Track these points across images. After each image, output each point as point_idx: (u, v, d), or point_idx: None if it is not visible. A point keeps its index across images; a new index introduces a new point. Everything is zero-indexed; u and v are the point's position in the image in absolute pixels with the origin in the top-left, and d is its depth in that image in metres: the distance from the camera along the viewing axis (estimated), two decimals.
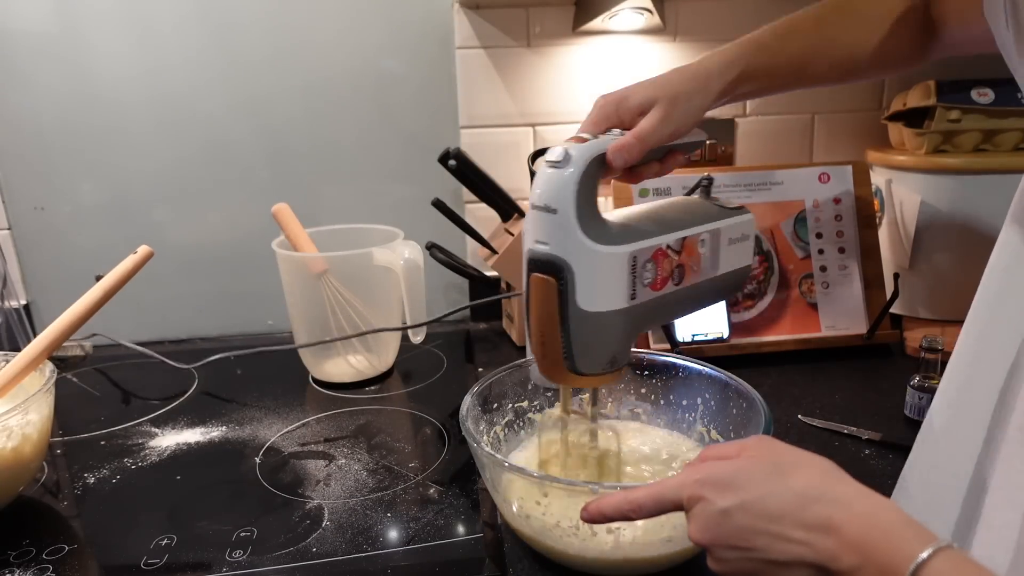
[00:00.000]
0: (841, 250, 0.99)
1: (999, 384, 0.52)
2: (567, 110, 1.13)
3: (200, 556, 0.63)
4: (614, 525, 0.54)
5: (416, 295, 0.91)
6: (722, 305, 0.96)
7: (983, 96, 0.95)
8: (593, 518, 0.48)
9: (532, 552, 0.62)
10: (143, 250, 0.79)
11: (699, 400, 0.72)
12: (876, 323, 0.97)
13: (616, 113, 0.58)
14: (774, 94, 0.66)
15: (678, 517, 0.47)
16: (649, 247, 0.55)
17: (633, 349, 0.65)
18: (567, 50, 1.10)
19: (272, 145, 1.11)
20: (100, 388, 1.01)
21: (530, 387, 0.75)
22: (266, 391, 0.96)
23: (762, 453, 0.44)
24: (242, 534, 0.66)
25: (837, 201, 1.00)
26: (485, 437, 0.69)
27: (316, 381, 0.99)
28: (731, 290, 0.66)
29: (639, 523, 0.51)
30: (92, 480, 0.76)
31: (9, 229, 1.10)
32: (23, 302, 1.11)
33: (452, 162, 0.98)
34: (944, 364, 0.77)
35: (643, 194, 0.99)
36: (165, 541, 0.65)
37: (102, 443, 0.84)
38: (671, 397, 0.74)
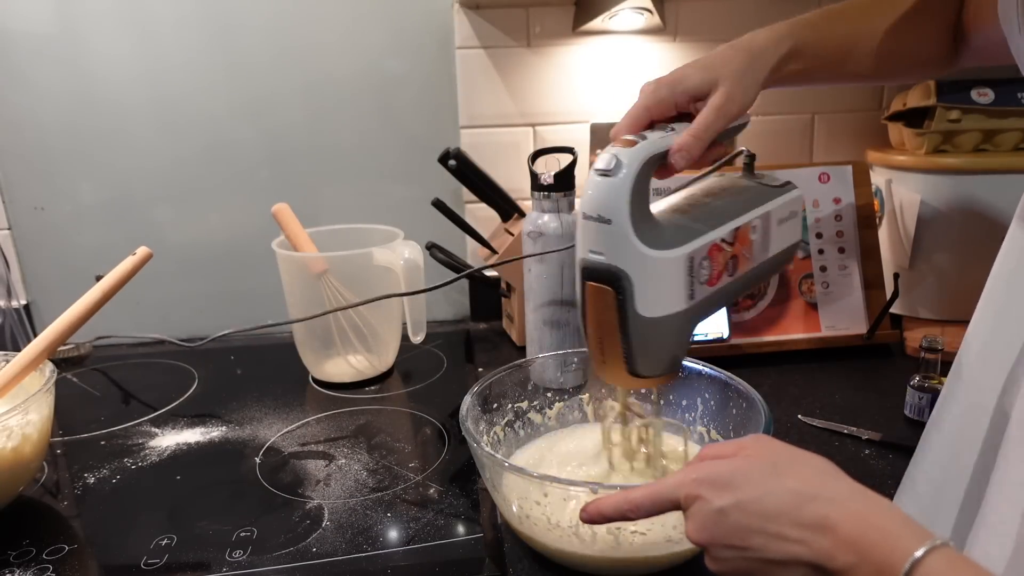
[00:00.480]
0: (841, 250, 0.99)
1: (1001, 384, 0.52)
2: (567, 110, 1.13)
3: (200, 556, 0.63)
4: (614, 525, 0.54)
5: (416, 295, 0.91)
6: None
7: (983, 96, 0.95)
8: (592, 518, 0.49)
9: (532, 552, 0.62)
10: (142, 251, 0.79)
11: (699, 400, 0.72)
12: (876, 323, 0.97)
13: (672, 96, 0.55)
14: (817, 84, 0.64)
15: (677, 517, 0.47)
16: (704, 245, 0.54)
17: None
18: (567, 50, 1.10)
19: (272, 145, 1.11)
20: (100, 388, 1.01)
21: (530, 387, 0.75)
22: (266, 391, 0.96)
23: (760, 452, 0.45)
24: (242, 534, 0.66)
25: (837, 201, 1.00)
26: (485, 437, 0.69)
27: (316, 381, 0.99)
28: (782, 265, 0.65)
29: (641, 523, 0.51)
30: (92, 480, 0.76)
31: (9, 229, 1.10)
32: (23, 302, 1.11)
33: (452, 162, 0.98)
34: (944, 364, 0.77)
35: None
36: (165, 541, 0.65)
37: (102, 443, 0.84)
38: (671, 397, 0.74)
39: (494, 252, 1.04)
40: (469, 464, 0.77)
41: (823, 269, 0.99)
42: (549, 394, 0.76)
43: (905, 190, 1.02)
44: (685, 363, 0.72)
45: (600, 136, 1.10)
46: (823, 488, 0.41)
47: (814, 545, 0.39)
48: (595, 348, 0.56)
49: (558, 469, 0.69)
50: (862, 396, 0.87)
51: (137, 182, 1.10)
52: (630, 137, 0.53)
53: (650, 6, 0.96)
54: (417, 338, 0.95)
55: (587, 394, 0.77)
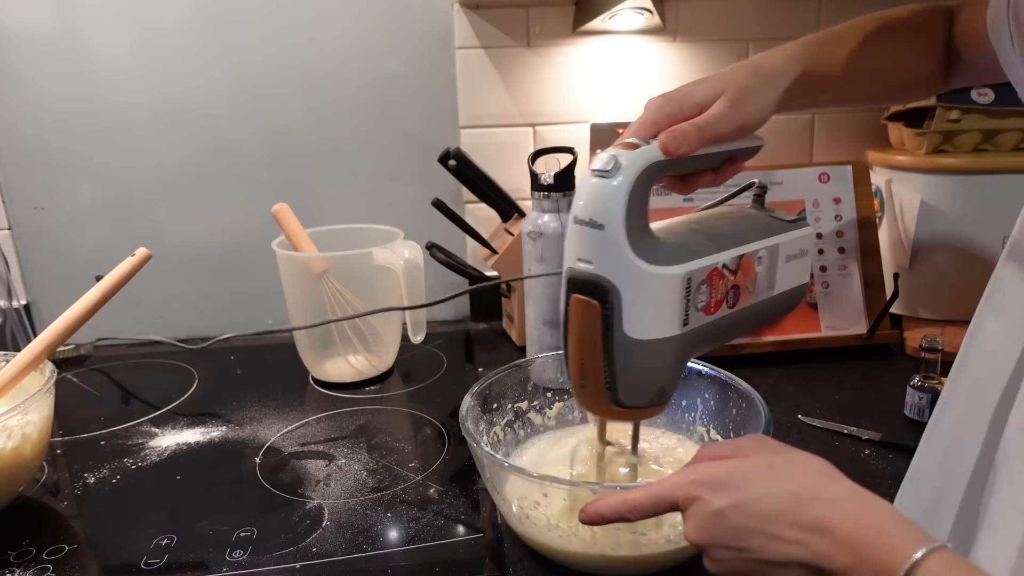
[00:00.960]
0: (841, 250, 0.99)
1: (1002, 386, 0.52)
2: (567, 110, 1.13)
3: (200, 556, 0.63)
4: (613, 526, 0.54)
5: (416, 295, 0.91)
6: None
7: (983, 96, 0.95)
8: (592, 520, 0.48)
9: (532, 552, 0.62)
10: (141, 252, 0.79)
11: (699, 400, 0.72)
12: (876, 323, 0.97)
13: (680, 110, 0.52)
14: (825, 107, 0.64)
15: (678, 517, 0.47)
16: (705, 267, 0.50)
17: None
18: (567, 50, 1.10)
19: (272, 145, 1.11)
20: (100, 388, 1.01)
21: (530, 387, 0.75)
22: (266, 391, 0.96)
23: (757, 453, 0.45)
24: (242, 534, 0.66)
25: (837, 201, 1.00)
26: (485, 437, 0.69)
27: (316, 381, 0.99)
28: (787, 310, 0.60)
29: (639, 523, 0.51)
30: (92, 480, 0.76)
31: (9, 229, 1.10)
32: (23, 302, 1.11)
33: (452, 162, 0.98)
34: (944, 364, 0.77)
35: None
36: (165, 541, 0.65)
37: (102, 443, 0.84)
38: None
39: (494, 252, 1.04)
40: (469, 464, 0.77)
41: (823, 269, 0.99)
42: (549, 394, 0.76)
43: (905, 190, 1.02)
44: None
45: (600, 136, 1.10)
46: (821, 489, 0.41)
47: (812, 546, 0.39)
48: (575, 370, 0.51)
49: (558, 469, 0.69)
50: (862, 396, 0.87)
51: (137, 182, 1.10)
52: (633, 140, 0.49)
53: (650, 6, 0.96)
54: (417, 338, 0.95)
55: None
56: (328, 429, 0.86)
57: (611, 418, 0.56)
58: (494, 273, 1.07)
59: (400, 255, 0.90)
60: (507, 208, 1.04)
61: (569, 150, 0.82)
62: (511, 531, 0.64)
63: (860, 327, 0.98)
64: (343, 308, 0.93)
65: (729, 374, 0.69)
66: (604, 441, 0.62)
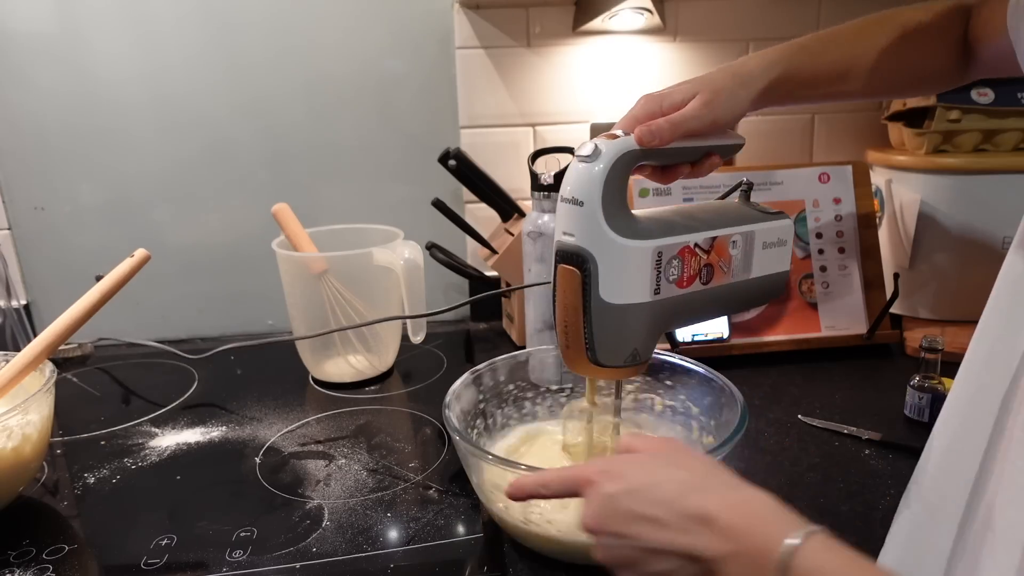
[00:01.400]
0: (841, 250, 0.99)
1: (1004, 389, 0.52)
2: (567, 110, 1.13)
3: (200, 556, 0.63)
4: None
5: (416, 295, 0.91)
6: None
7: (983, 96, 0.95)
8: (515, 494, 0.50)
9: (532, 552, 0.62)
10: (140, 253, 0.80)
11: (686, 394, 0.73)
12: (876, 323, 0.97)
13: (660, 108, 0.58)
14: (815, 102, 0.66)
15: None
16: (675, 244, 0.56)
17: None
18: (567, 50, 1.10)
19: (272, 145, 1.11)
20: (100, 388, 1.01)
21: (523, 382, 0.76)
22: (266, 391, 0.96)
23: (662, 451, 0.46)
24: (242, 534, 0.66)
25: (837, 201, 1.00)
26: (479, 436, 0.70)
27: (316, 381, 0.99)
28: (768, 295, 0.66)
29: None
30: (92, 480, 0.76)
31: (9, 229, 1.10)
32: (23, 302, 1.12)
33: (452, 162, 0.98)
34: (944, 364, 0.77)
35: (643, 194, 0.99)
36: (165, 541, 0.65)
37: (102, 443, 0.84)
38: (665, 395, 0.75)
39: (494, 252, 1.04)
40: None
41: (823, 269, 0.99)
42: (543, 394, 0.77)
43: (905, 190, 1.02)
44: (667, 357, 0.73)
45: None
46: (707, 481, 0.42)
47: (691, 533, 0.40)
48: (560, 332, 0.58)
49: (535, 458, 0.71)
50: (862, 396, 0.87)
51: (137, 182, 1.10)
52: (615, 132, 0.55)
53: (650, 6, 0.97)
54: (417, 338, 0.95)
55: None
56: (328, 429, 0.86)
57: (591, 375, 0.61)
58: (494, 273, 1.07)
59: (400, 255, 0.90)
60: (507, 208, 1.04)
61: (569, 150, 0.82)
62: (499, 526, 0.64)
63: (860, 327, 0.98)
64: (343, 308, 0.93)
65: (708, 368, 0.70)
66: (593, 403, 0.65)
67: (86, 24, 1.03)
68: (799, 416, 0.82)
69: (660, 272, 0.55)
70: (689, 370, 0.72)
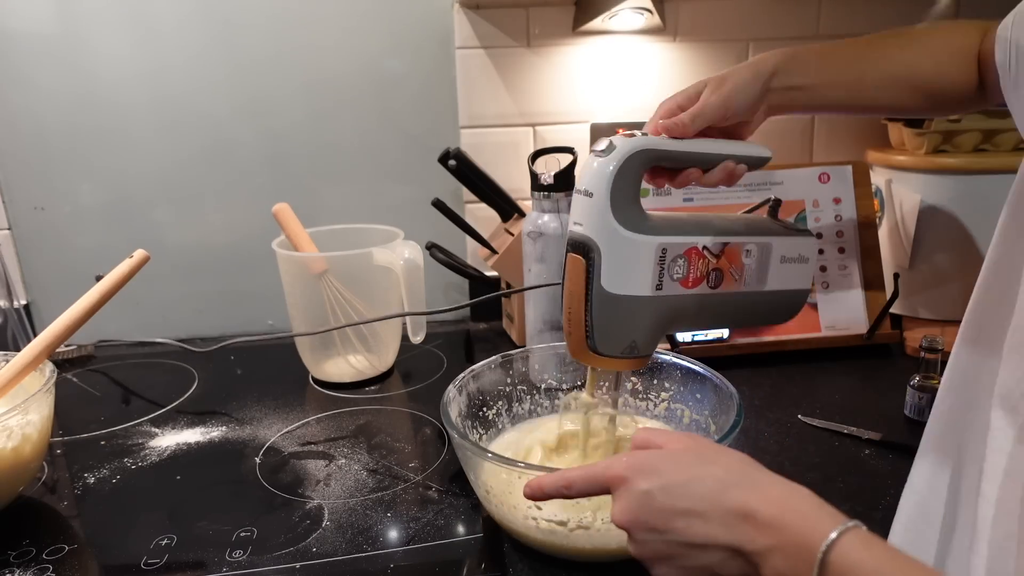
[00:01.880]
0: (841, 250, 0.99)
1: (993, 379, 0.52)
2: (567, 110, 1.13)
3: (200, 556, 0.63)
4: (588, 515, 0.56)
5: (416, 295, 0.91)
6: None
7: None
8: (534, 494, 0.50)
9: (532, 552, 0.62)
10: (139, 254, 0.80)
11: (684, 391, 0.73)
12: (876, 323, 0.97)
13: (677, 105, 0.59)
14: (826, 111, 0.65)
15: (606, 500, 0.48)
16: (682, 243, 0.57)
17: None
18: (567, 50, 1.10)
19: (272, 145, 1.11)
20: (100, 388, 1.01)
21: (517, 381, 0.76)
22: (266, 391, 0.96)
23: (687, 444, 0.47)
24: (242, 534, 0.66)
25: (837, 201, 1.00)
26: (476, 433, 0.70)
27: (316, 381, 0.99)
28: (785, 311, 0.67)
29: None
30: (92, 480, 0.76)
31: (9, 229, 1.10)
32: (23, 302, 1.11)
33: (452, 162, 0.98)
34: (944, 364, 0.77)
35: (643, 194, 0.98)
36: (165, 541, 0.65)
37: (102, 443, 0.84)
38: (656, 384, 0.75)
39: (494, 252, 1.04)
40: None
41: (823, 269, 0.99)
42: (540, 392, 0.77)
43: (905, 190, 1.02)
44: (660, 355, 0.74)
45: (600, 136, 1.10)
46: (745, 476, 0.42)
47: (734, 528, 0.40)
48: (565, 318, 0.59)
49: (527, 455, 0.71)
50: (862, 396, 0.87)
51: (137, 182, 1.10)
52: (632, 131, 0.56)
53: (650, 6, 0.97)
54: (417, 338, 0.95)
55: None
56: (328, 429, 0.86)
57: (590, 363, 0.61)
58: (494, 273, 1.07)
59: (400, 255, 0.90)
60: (507, 208, 1.04)
61: (569, 150, 0.82)
62: (498, 526, 0.64)
63: (860, 327, 0.98)
64: (343, 308, 0.93)
65: (701, 363, 0.71)
66: (591, 394, 0.66)
67: (86, 24, 1.03)
68: (799, 416, 0.82)
69: (664, 269, 0.56)
70: (689, 370, 0.72)
